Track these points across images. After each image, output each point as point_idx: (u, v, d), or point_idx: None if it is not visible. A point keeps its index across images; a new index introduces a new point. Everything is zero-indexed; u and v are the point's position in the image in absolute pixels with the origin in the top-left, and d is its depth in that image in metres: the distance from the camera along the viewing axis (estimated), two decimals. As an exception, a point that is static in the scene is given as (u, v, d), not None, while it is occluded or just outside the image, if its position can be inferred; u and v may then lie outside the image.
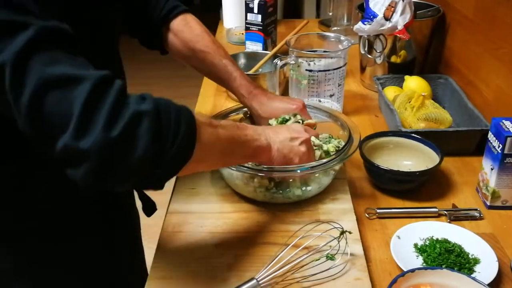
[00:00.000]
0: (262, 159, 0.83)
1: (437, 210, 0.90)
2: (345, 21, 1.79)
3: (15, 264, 0.83)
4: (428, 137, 1.01)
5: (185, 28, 1.02)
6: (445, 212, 0.90)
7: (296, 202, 0.90)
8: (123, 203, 1.02)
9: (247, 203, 0.91)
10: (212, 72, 1.03)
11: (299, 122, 0.95)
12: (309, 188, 0.90)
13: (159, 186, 0.63)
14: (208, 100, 1.35)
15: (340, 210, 0.89)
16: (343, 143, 0.94)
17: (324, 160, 0.87)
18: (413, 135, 1.03)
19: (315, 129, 0.97)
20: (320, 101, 1.18)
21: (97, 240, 0.91)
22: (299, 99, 1.02)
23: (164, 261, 0.79)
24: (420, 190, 0.97)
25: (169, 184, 1.02)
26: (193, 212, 0.89)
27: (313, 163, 0.86)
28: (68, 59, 0.57)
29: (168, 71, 3.91)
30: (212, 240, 0.82)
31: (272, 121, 0.98)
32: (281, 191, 0.89)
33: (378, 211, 0.90)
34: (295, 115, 0.97)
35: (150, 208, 1.00)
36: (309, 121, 0.97)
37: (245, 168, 0.85)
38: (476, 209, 0.91)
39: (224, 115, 1.06)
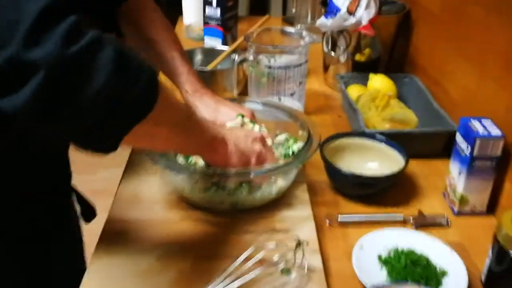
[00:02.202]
0: (218, 153, 0.75)
1: (402, 216, 0.84)
2: (309, 19, 1.73)
3: None
4: (393, 139, 0.95)
5: (138, 12, 0.94)
6: (411, 219, 0.84)
7: (249, 210, 0.82)
8: (60, 206, 0.92)
9: (195, 211, 0.82)
10: (158, 63, 0.94)
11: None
12: (259, 192, 0.82)
13: (111, 140, 0.53)
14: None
15: (298, 218, 0.81)
16: (302, 144, 0.87)
17: (281, 163, 0.80)
18: (377, 136, 0.96)
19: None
20: (280, 99, 1.11)
21: (31, 246, 0.82)
22: (248, 108, 0.95)
23: (98, 276, 0.70)
24: (385, 195, 0.90)
25: (113, 187, 0.94)
26: (134, 221, 0.80)
27: (269, 166, 0.79)
28: None
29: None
30: (154, 253, 0.73)
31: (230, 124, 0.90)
32: (227, 192, 0.81)
33: (339, 217, 0.84)
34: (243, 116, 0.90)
35: (89, 213, 0.91)
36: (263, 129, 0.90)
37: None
38: (443, 216, 0.85)
39: None
